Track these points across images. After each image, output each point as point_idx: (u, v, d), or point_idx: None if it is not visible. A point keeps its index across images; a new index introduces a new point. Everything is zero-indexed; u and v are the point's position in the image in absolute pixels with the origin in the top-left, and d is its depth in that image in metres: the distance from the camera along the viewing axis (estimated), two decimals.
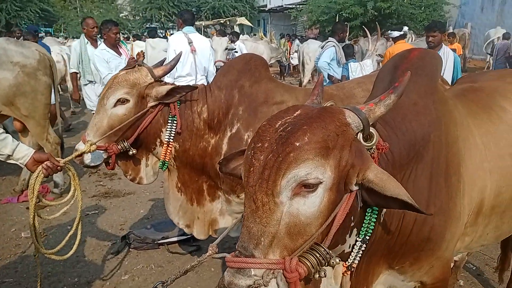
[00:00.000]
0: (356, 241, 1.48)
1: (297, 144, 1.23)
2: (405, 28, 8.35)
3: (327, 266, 1.28)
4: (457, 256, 2.38)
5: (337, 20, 14.55)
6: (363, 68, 6.31)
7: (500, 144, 1.93)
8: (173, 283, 1.56)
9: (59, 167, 2.28)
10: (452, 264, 1.99)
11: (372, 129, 1.37)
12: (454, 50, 11.09)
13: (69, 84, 8.19)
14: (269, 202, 1.24)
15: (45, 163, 2.21)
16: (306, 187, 1.24)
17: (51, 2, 28.61)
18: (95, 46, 5.84)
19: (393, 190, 1.26)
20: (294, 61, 15.54)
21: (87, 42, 5.85)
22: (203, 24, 23.27)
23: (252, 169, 1.28)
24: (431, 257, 1.72)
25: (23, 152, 2.19)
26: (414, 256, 1.69)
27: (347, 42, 7.89)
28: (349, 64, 6.47)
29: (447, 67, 4.91)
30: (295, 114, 1.33)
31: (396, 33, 7.94)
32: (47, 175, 2.23)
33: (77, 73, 6.07)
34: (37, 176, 2.20)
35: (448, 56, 5.02)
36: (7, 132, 2.28)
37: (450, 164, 1.70)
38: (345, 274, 1.56)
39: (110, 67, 5.31)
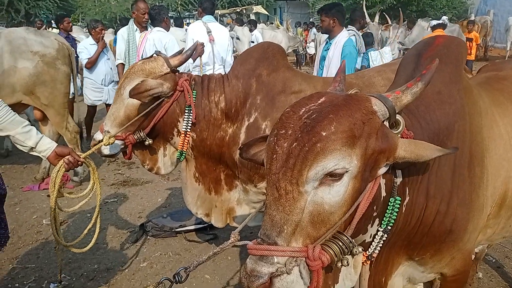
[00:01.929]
0: (378, 231, 1.47)
1: (324, 133, 1.21)
2: (444, 17, 8.27)
3: (349, 255, 1.27)
4: (478, 248, 2.34)
5: (361, 7, 14.18)
6: (382, 56, 6.22)
7: None
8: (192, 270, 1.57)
9: (80, 162, 2.31)
10: (473, 256, 1.96)
11: (398, 116, 1.35)
12: (471, 40, 10.88)
13: None
14: (293, 190, 1.23)
15: (67, 157, 2.24)
16: (332, 176, 1.23)
17: None
18: None
19: (426, 154, 1.32)
20: (311, 50, 15.36)
21: (136, 29, 5.28)
22: (219, 13, 23.17)
23: (275, 156, 1.26)
24: (452, 249, 1.69)
25: (46, 145, 2.22)
26: (435, 248, 1.67)
27: (368, 30, 7.80)
28: (369, 53, 6.38)
29: (334, 56, 4.25)
30: (319, 101, 1.31)
31: (435, 22, 7.90)
32: (68, 169, 2.27)
33: (124, 64, 5.44)
34: (58, 170, 2.24)
35: (337, 44, 4.30)
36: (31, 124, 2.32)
37: (474, 154, 1.66)
38: (365, 263, 1.56)
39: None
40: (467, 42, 10.83)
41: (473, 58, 11.29)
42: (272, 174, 1.26)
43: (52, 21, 19.97)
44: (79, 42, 7.01)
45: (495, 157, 1.77)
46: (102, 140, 2.50)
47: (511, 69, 2.23)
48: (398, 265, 1.74)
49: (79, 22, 27.38)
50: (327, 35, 4.52)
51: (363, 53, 6.46)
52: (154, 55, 2.66)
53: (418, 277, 1.83)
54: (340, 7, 4.54)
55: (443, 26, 7.78)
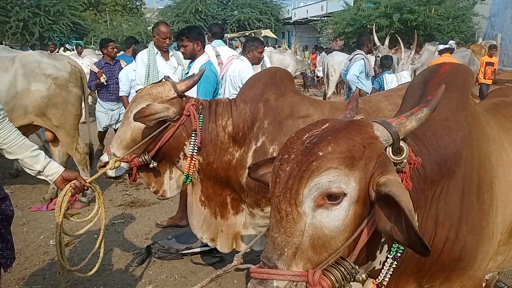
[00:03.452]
0: (387, 258, 1.45)
1: (320, 153, 1.24)
2: (451, 42, 8.29)
3: (353, 281, 1.26)
4: (488, 275, 2.30)
5: (368, 31, 14.13)
6: (399, 80, 6.11)
7: None
8: None
9: (85, 186, 2.34)
10: (483, 284, 1.92)
11: (402, 143, 1.34)
12: (492, 64, 10.71)
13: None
14: (292, 212, 1.24)
15: (73, 182, 2.27)
16: (330, 198, 1.23)
17: (83, 16, 29.53)
18: (167, 58, 5.03)
19: (400, 195, 1.19)
20: (320, 73, 15.48)
21: (157, 53, 4.98)
22: (229, 37, 23.53)
23: (278, 180, 1.29)
24: (462, 277, 1.67)
25: (54, 169, 2.26)
26: (444, 275, 1.64)
27: (379, 53, 7.79)
28: (383, 75, 6.33)
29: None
30: (323, 127, 1.33)
31: (442, 46, 7.89)
32: (74, 194, 2.30)
33: None
34: (64, 195, 2.26)
35: (194, 69, 3.92)
36: (43, 146, 2.36)
37: (483, 181, 1.65)
38: None
39: None
40: (488, 66, 10.52)
41: (490, 83, 10.93)
42: (275, 197, 1.29)
43: (67, 44, 20.41)
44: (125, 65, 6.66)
45: (504, 183, 1.75)
46: (108, 163, 2.53)
47: None
48: None
49: (91, 45, 27.99)
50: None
51: (374, 76, 6.43)
52: (163, 79, 2.70)
53: None
54: (200, 29, 4.20)
55: (450, 50, 7.79)
